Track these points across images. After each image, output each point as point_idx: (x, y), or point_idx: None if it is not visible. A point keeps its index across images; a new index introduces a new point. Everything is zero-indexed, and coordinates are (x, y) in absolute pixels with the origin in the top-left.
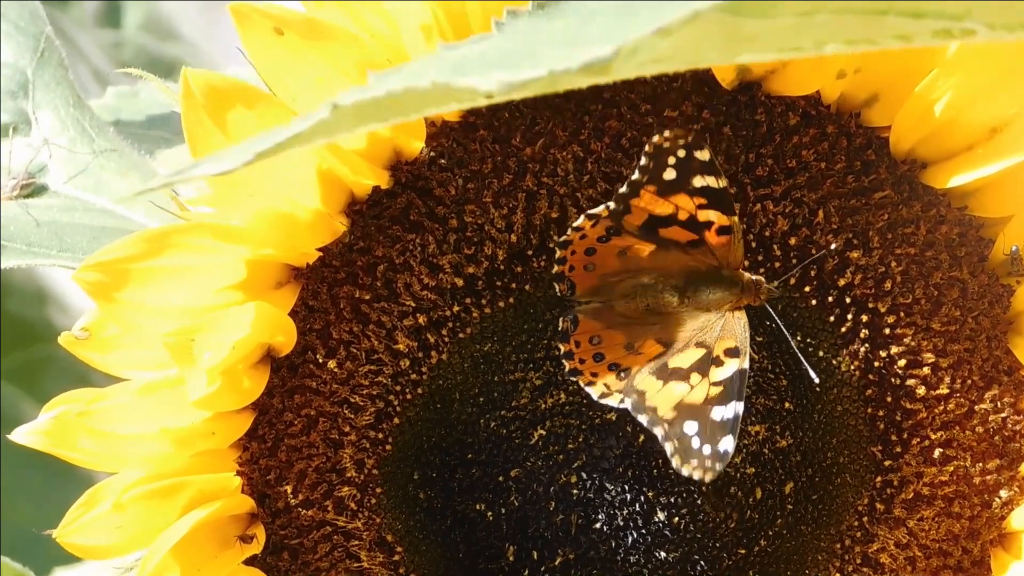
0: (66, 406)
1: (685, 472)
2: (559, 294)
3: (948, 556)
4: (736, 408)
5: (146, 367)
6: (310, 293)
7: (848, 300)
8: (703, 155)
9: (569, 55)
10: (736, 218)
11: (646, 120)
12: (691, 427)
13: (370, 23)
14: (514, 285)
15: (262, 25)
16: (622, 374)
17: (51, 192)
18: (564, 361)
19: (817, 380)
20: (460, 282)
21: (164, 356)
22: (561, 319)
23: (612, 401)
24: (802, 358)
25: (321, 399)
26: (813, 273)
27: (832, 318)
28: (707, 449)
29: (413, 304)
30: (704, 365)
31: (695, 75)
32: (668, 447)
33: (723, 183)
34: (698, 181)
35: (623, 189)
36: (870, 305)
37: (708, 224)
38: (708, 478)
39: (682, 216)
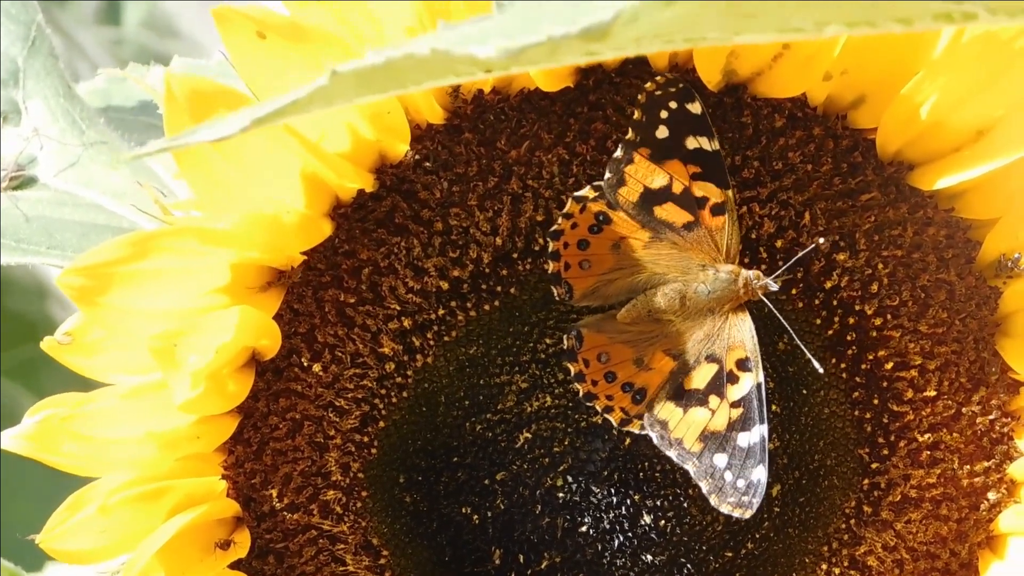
0: (51, 410)
1: (725, 510)
2: (557, 298)
3: (936, 559)
4: (761, 432)
5: (131, 371)
6: (295, 296)
7: (835, 303)
8: (695, 108)
9: (569, 21)
10: (731, 192)
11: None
12: (721, 460)
13: (355, 25)
14: (499, 288)
15: (244, 28)
16: (637, 396)
17: (41, 184)
18: (577, 385)
19: (821, 370)
20: (445, 285)
21: (149, 360)
22: (565, 336)
23: (634, 429)
24: (805, 349)
25: (306, 402)
26: (800, 275)
27: (819, 320)
28: (741, 483)
29: (398, 307)
30: (719, 384)
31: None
32: (704, 485)
33: (715, 145)
34: (691, 142)
35: (617, 153)
36: (857, 307)
37: (703, 202)
38: (747, 515)
39: (676, 189)
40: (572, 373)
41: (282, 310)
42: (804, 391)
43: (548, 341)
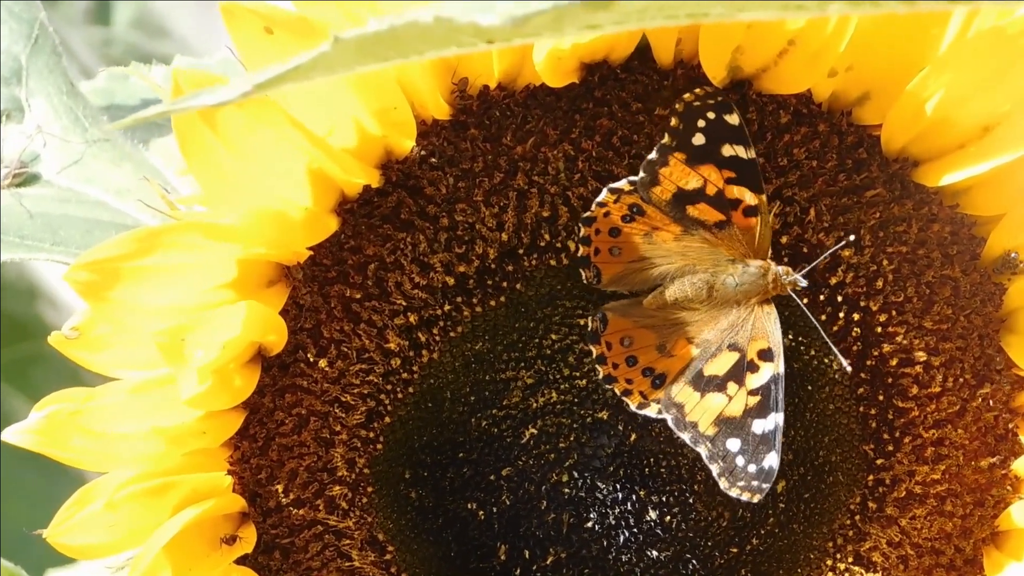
0: (57, 405)
1: (733, 494)
2: (585, 281)
3: (940, 555)
4: (776, 420)
5: (137, 366)
6: (301, 292)
7: (840, 299)
8: (733, 119)
9: None
10: (764, 197)
11: (637, 119)
12: (734, 444)
13: (362, 21)
14: (505, 284)
15: (252, 24)
16: (657, 381)
17: (44, 182)
18: (598, 367)
19: (849, 368)
20: (451, 281)
21: (155, 355)
22: (590, 318)
23: (651, 412)
24: (833, 347)
25: (312, 398)
26: (804, 272)
27: (824, 316)
28: (752, 468)
29: (404, 303)
30: (739, 371)
31: (686, 73)
32: (714, 468)
33: (752, 154)
34: (727, 150)
35: (652, 155)
36: (862, 303)
37: (736, 203)
38: (756, 499)
39: (710, 191)
40: (594, 355)
41: (288, 306)
42: (809, 387)
43: (554, 337)
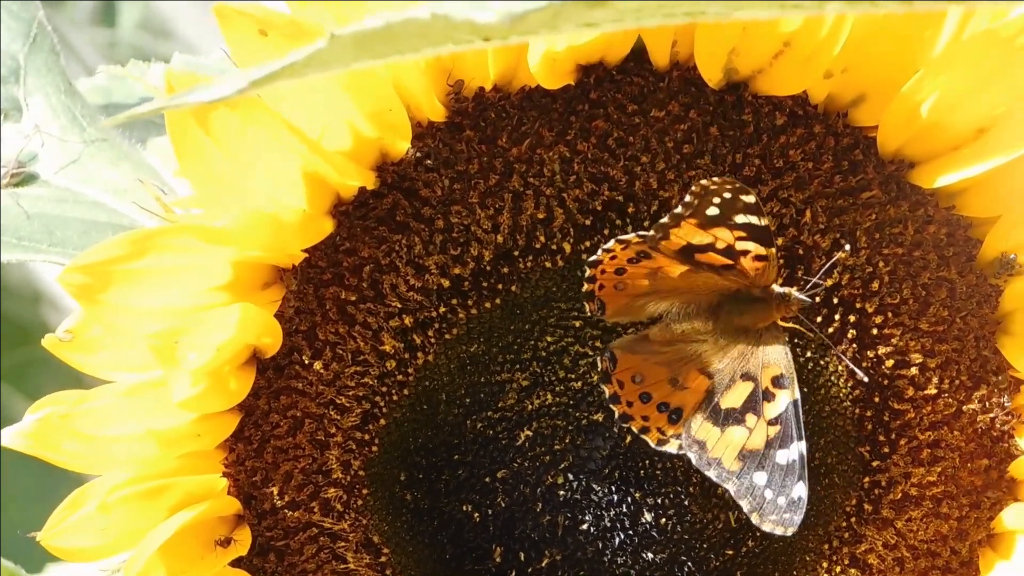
0: (51, 408)
1: (767, 528)
2: (588, 313)
3: (936, 557)
4: (799, 448)
5: (131, 369)
6: (296, 294)
7: (836, 300)
8: (749, 198)
9: None
10: (774, 250)
11: (633, 120)
12: (760, 478)
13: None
14: (500, 286)
15: (246, 26)
16: (673, 416)
17: (42, 182)
18: (612, 406)
19: (866, 379)
20: (446, 283)
21: (149, 357)
22: (599, 358)
23: (671, 448)
24: (848, 362)
25: (307, 400)
26: (800, 274)
27: (819, 318)
28: (781, 500)
29: (399, 305)
30: (755, 402)
31: (682, 75)
32: (744, 504)
33: (765, 222)
34: (740, 218)
35: (665, 220)
36: (857, 305)
37: (745, 253)
38: (790, 532)
39: (720, 246)
40: (607, 395)
41: (283, 308)
42: (805, 389)
43: (549, 339)
